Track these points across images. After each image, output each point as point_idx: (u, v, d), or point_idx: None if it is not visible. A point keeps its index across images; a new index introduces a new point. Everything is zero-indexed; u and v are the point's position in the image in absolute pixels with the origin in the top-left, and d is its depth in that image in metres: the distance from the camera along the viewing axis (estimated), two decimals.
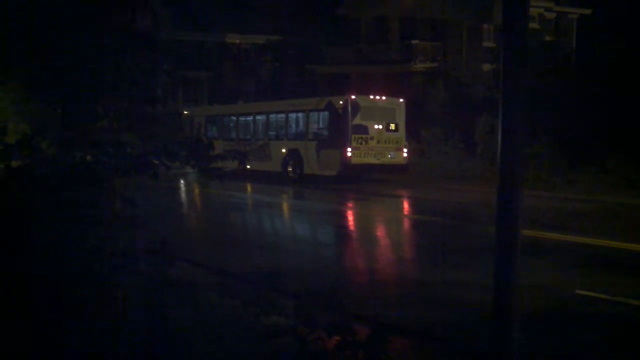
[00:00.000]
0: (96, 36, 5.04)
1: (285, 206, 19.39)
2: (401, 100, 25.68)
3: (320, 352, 3.78)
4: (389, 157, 24.72)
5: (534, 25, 34.43)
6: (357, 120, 24.06)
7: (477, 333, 3.59)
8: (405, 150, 25.11)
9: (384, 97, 25.32)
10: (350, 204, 19.21)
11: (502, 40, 3.22)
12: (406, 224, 15.69)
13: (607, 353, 6.06)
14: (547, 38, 35.32)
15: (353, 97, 24.42)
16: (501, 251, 2.84)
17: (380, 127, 24.56)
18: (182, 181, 25.21)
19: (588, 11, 39.82)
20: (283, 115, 27.18)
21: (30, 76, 5.52)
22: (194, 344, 5.20)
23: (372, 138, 24.25)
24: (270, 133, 27.85)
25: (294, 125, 26.76)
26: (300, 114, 26.29)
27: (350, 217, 16.61)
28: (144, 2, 5.66)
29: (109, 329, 4.97)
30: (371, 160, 24.23)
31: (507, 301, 2.78)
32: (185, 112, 33.92)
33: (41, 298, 4.66)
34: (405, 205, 20.01)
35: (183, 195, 22.58)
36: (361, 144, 23.95)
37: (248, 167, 26.66)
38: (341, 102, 24.31)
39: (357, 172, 24.59)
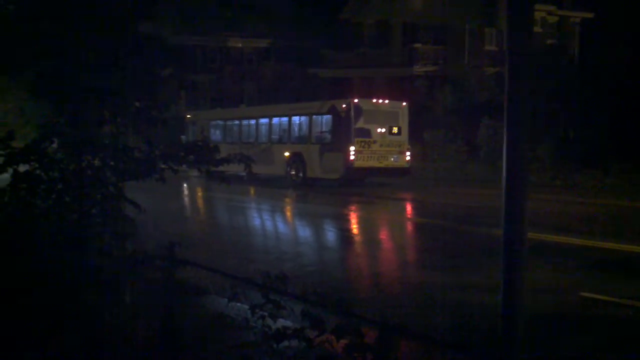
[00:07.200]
0: (104, 40, 5.08)
1: (289, 210, 19.41)
2: (404, 103, 25.71)
3: (328, 355, 3.80)
4: (391, 161, 24.73)
5: (536, 28, 34.45)
6: (360, 124, 24.09)
7: (487, 336, 3.62)
8: (408, 153, 25.12)
9: (386, 101, 25.35)
10: (354, 208, 19.22)
11: (506, 45, 3.24)
12: (411, 227, 15.70)
13: (612, 355, 6.07)
14: (550, 41, 35.31)
15: (356, 100, 24.45)
16: (509, 254, 2.88)
17: (383, 130, 24.59)
18: (185, 185, 25.25)
19: (590, 15, 39.84)
20: (286, 119, 27.19)
21: (38, 79, 5.54)
22: (202, 347, 5.22)
23: (375, 141, 24.28)
24: (273, 137, 27.87)
25: (296, 129, 26.77)
26: (303, 118, 26.31)
27: (355, 220, 16.63)
28: (148, 5, 5.67)
29: (118, 333, 5.00)
30: (374, 163, 24.25)
31: (516, 303, 2.82)
32: (187, 116, 33.90)
33: (49, 300, 4.69)
34: (409, 208, 20.01)
35: (188, 199, 22.61)
36: (364, 147, 23.98)
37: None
38: (344, 106, 24.35)
39: (360, 175, 24.62)
